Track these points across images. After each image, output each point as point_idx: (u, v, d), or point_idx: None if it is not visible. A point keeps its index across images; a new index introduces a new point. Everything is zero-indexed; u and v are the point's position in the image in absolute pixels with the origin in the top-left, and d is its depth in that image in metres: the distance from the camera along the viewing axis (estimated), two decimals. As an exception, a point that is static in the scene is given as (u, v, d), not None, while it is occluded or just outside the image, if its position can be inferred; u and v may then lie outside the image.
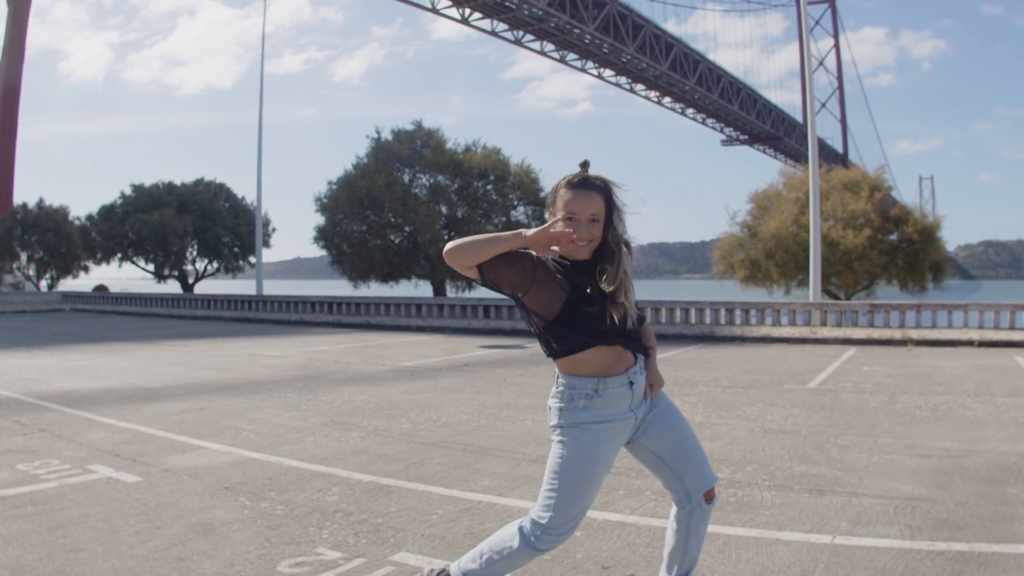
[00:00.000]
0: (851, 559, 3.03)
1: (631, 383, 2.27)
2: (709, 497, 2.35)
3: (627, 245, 2.30)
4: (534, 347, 13.16)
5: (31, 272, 37.45)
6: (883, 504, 3.78)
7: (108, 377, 9.20)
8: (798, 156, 62.37)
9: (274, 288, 36.71)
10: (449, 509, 3.78)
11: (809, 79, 21.39)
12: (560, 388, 2.28)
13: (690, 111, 61.78)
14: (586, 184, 2.23)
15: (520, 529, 2.27)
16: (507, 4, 43.21)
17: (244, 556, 3.09)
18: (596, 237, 2.22)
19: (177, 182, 36.51)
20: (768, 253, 24.19)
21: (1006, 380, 8.72)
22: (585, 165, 2.30)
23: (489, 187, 29.59)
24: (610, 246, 2.25)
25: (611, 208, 2.26)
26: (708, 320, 17.20)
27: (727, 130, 66.86)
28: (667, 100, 59.13)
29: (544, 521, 2.22)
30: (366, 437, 5.60)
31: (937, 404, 6.99)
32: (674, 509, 2.41)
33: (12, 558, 3.05)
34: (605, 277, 2.20)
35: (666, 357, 11.33)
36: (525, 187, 29.57)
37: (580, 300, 2.21)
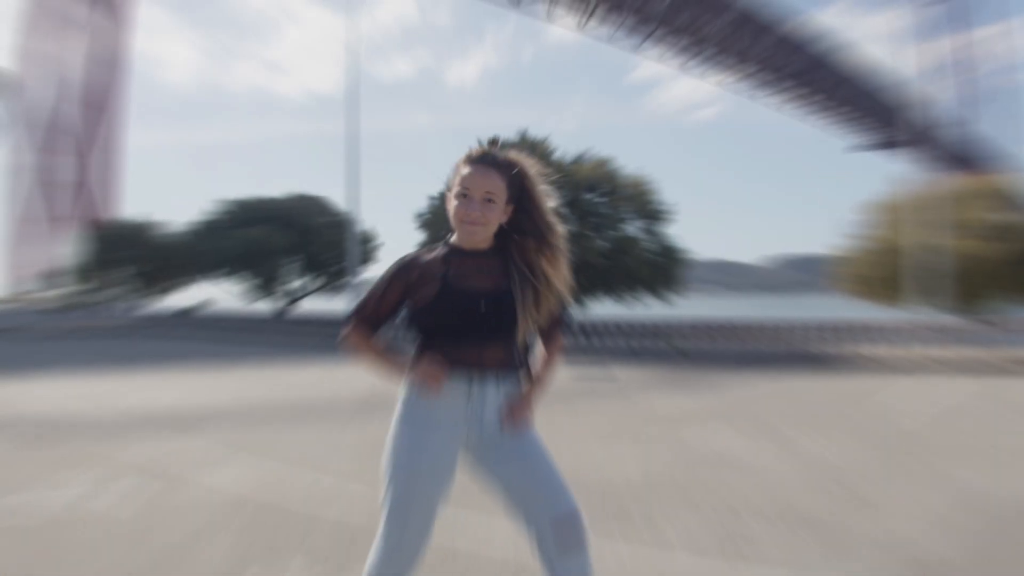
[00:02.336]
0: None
1: None
2: None
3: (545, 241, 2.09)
4: (620, 375, 12.75)
5: (128, 289, 37.85)
6: None
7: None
8: (949, 160, 57.52)
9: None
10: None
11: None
12: None
13: (820, 114, 58.54)
14: (485, 160, 2.05)
15: None
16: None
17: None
18: (490, 221, 2.03)
19: (277, 195, 36.11)
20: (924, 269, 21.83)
21: None
22: (494, 142, 2.12)
23: (599, 200, 29.16)
24: (515, 239, 2.08)
25: (518, 194, 2.07)
26: None
27: (857, 133, 62.65)
28: (802, 102, 56.22)
29: None
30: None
31: None
32: None
33: None
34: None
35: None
36: (637, 199, 28.95)
37: None
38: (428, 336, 2.04)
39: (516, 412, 2.09)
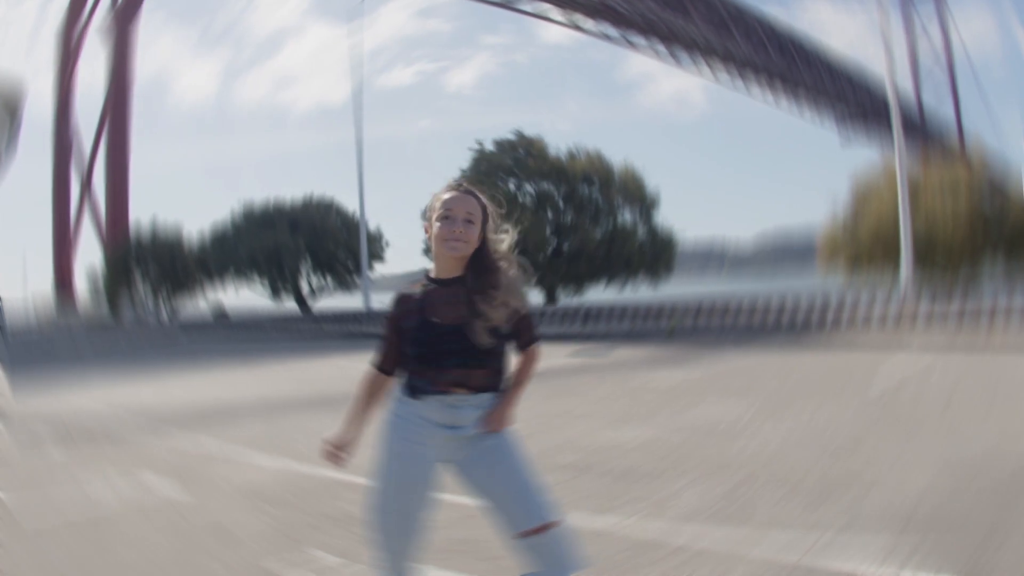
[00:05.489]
0: None
1: None
2: None
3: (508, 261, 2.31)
4: (616, 355, 12.99)
5: (150, 300, 38.00)
6: None
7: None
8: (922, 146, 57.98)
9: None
10: (451, 516, 3.87)
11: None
12: None
13: (807, 110, 58.91)
14: (463, 188, 2.30)
15: None
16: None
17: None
18: (471, 240, 2.24)
19: (287, 198, 36.19)
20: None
21: None
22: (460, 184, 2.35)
23: (595, 191, 29.47)
24: (489, 257, 2.27)
25: (487, 217, 2.29)
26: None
27: (847, 129, 63.09)
28: (787, 98, 56.61)
29: None
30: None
31: None
32: None
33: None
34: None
35: None
36: (629, 190, 29.32)
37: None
38: (413, 361, 2.24)
39: (493, 417, 2.27)
